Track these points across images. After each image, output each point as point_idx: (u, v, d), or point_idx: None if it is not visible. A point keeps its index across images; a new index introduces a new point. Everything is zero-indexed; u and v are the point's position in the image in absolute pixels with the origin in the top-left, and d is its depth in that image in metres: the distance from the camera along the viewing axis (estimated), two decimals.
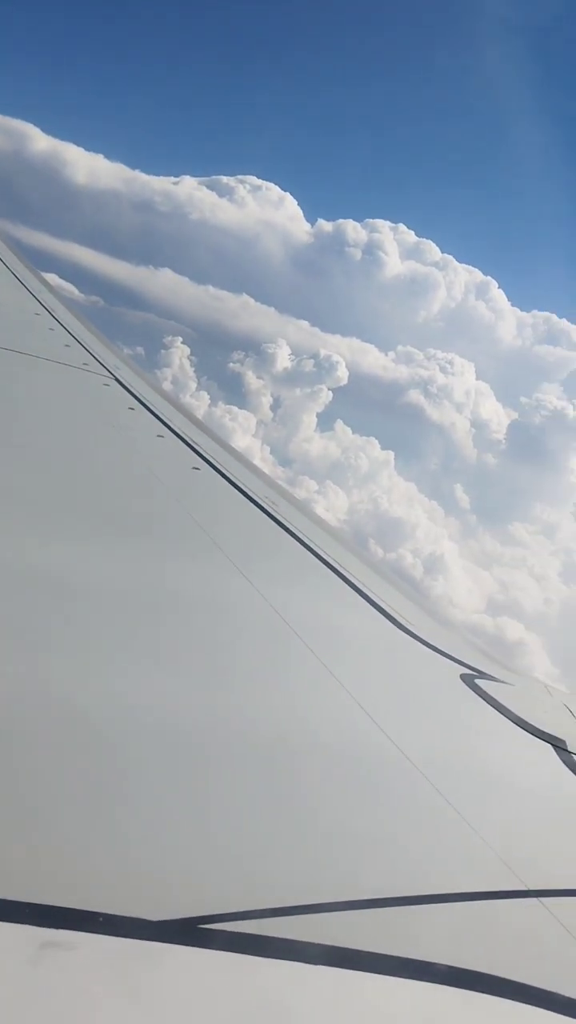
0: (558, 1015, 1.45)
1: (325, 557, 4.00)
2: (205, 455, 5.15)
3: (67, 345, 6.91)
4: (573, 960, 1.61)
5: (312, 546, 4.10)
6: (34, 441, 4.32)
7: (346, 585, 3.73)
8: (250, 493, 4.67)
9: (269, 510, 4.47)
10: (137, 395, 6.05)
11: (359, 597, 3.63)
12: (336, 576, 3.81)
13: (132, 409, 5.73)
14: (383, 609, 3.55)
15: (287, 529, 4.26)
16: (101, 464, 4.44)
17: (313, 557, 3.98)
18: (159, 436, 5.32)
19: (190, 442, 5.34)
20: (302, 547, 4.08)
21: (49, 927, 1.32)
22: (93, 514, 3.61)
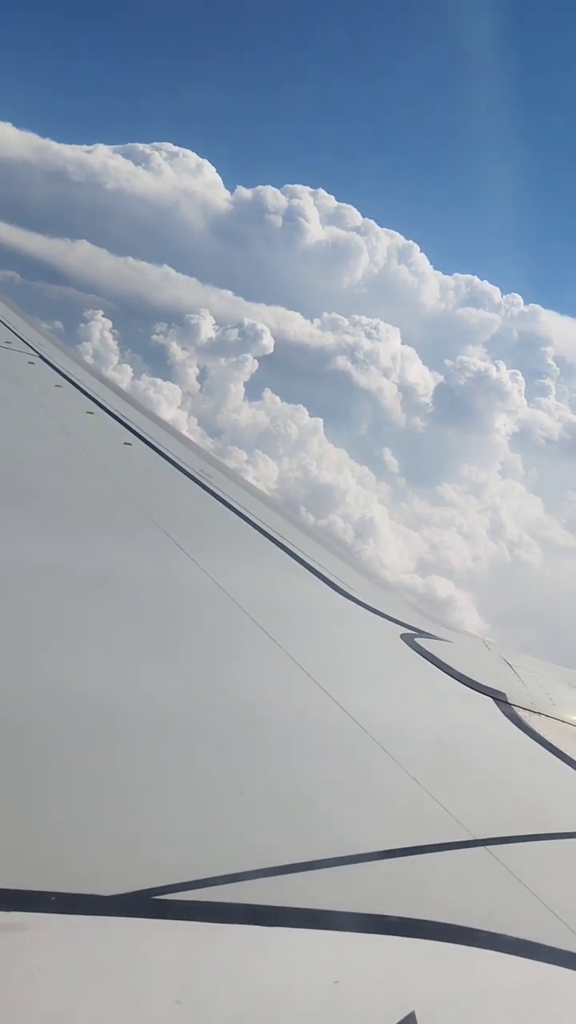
0: (505, 955, 1.49)
1: (261, 526, 3.99)
2: (136, 429, 5.09)
3: None
4: (517, 902, 1.66)
5: (248, 516, 4.10)
6: None
7: (284, 553, 3.74)
8: (183, 466, 4.63)
9: (203, 481, 4.44)
10: (63, 372, 5.92)
11: (297, 564, 3.65)
12: (274, 544, 3.82)
13: (59, 387, 5.62)
14: (322, 575, 3.57)
15: (222, 500, 4.24)
16: (30, 444, 4.35)
17: (249, 527, 3.97)
18: (88, 412, 5.23)
19: (120, 417, 5.26)
20: (238, 517, 4.07)
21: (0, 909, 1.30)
22: (24, 495, 3.54)
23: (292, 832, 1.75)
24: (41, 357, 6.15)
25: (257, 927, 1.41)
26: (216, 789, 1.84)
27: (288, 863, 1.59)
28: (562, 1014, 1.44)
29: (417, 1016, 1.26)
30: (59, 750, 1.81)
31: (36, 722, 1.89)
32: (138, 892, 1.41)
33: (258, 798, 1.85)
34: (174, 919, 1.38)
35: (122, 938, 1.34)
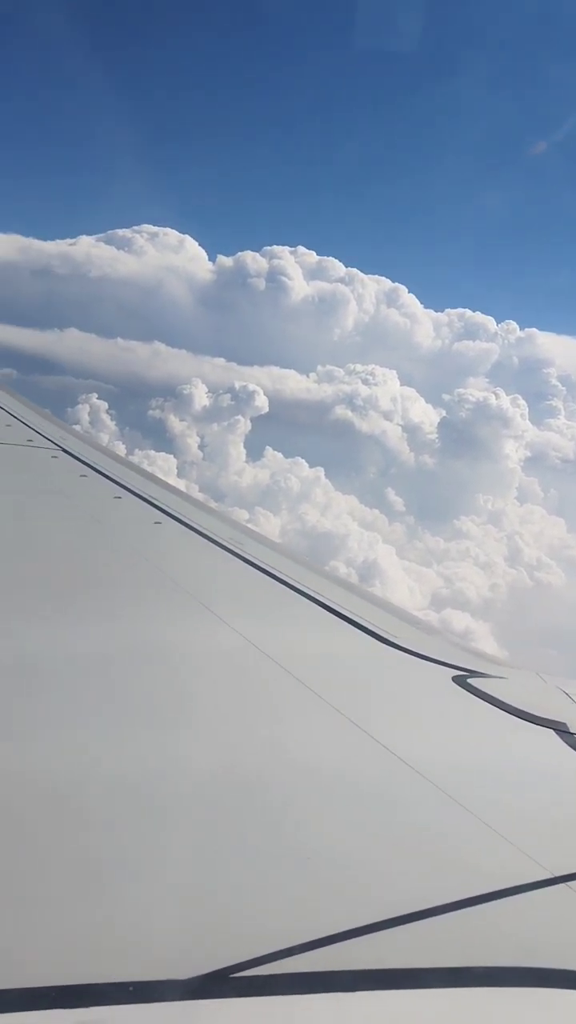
0: None
1: (298, 586, 3.99)
2: (164, 508, 5.15)
3: (8, 425, 6.89)
4: None
5: (283, 577, 4.10)
6: None
7: (324, 610, 3.73)
8: (213, 537, 4.67)
9: (235, 550, 4.47)
10: (88, 462, 6.04)
11: (339, 619, 3.63)
12: (313, 603, 3.81)
13: (84, 476, 5.72)
14: (365, 627, 3.55)
15: (256, 565, 4.25)
16: (60, 533, 4.42)
17: (286, 588, 3.98)
18: (116, 497, 5.31)
19: (148, 498, 5.33)
20: (274, 580, 4.08)
21: (79, 1007, 1.29)
22: (60, 583, 3.58)
23: (365, 892, 1.71)
24: (64, 450, 6.28)
25: (341, 994, 1.38)
26: (282, 856, 1.81)
27: (365, 923, 1.56)
28: None
29: None
30: (122, 833, 1.80)
31: (96, 806, 1.88)
32: (215, 972, 1.39)
33: (326, 861, 1.81)
34: (256, 996, 1.36)
35: (206, 1021, 1.31)
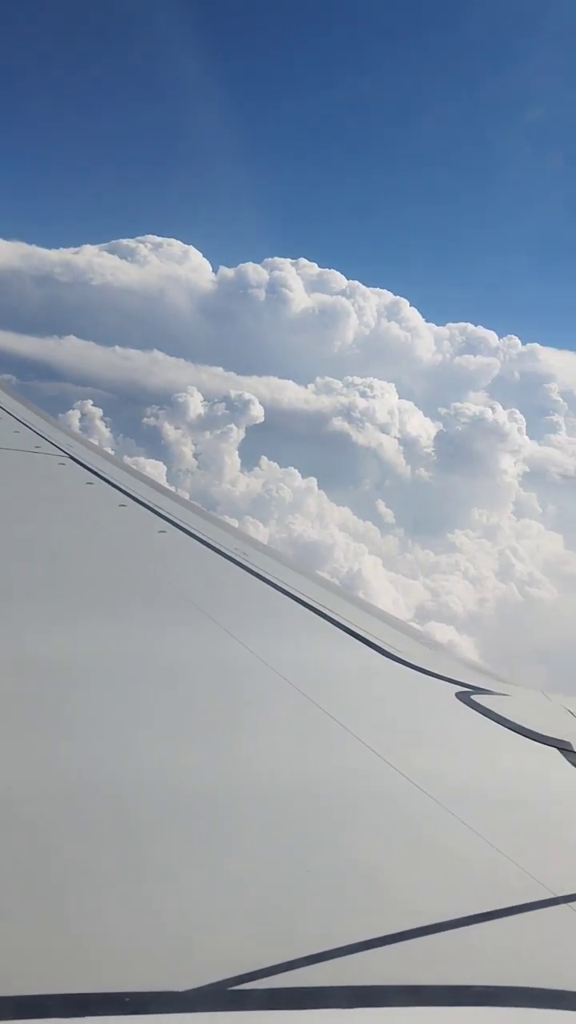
0: None
1: (303, 598, 3.98)
2: (169, 517, 5.14)
3: (16, 431, 6.91)
4: None
5: (288, 590, 4.09)
6: None
7: (328, 623, 3.71)
8: (219, 547, 4.66)
9: (241, 561, 4.46)
10: (94, 469, 6.04)
11: (343, 633, 3.62)
12: (317, 616, 3.80)
13: (91, 484, 5.72)
14: (369, 641, 3.53)
15: (261, 577, 4.24)
16: (66, 539, 4.42)
17: (291, 600, 3.96)
18: (121, 505, 5.31)
19: (153, 507, 5.33)
20: (279, 592, 4.06)
21: (75, 1016, 1.27)
22: (64, 589, 3.57)
23: (365, 907, 1.69)
24: (72, 457, 6.28)
25: (339, 1010, 1.36)
26: (282, 869, 1.80)
27: (364, 939, 1.54)
28: None
29: None
30: (117, 843, 1.78)
31: (94, 816, 1.87)
32: (214, 984, 1.37)
33: (326, 875, 1.80)
34: (254, 1009, 1.34)
35: None
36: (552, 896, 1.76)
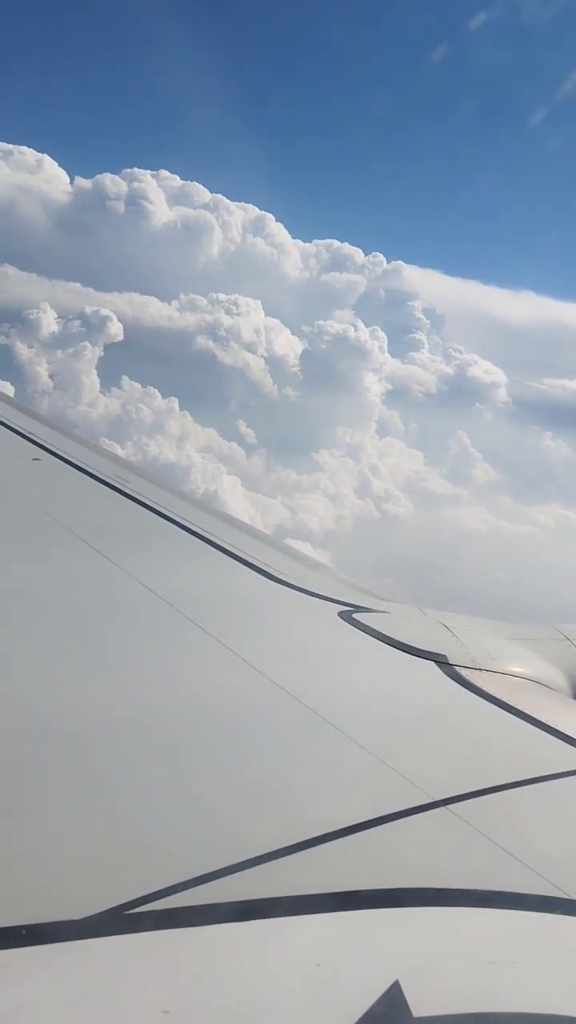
0: (479, 909, 1.52)
1: (184, 523, 3.95)
2: (43, 443, 4.97)
3: None
4: (484, 855, 1.69)
5: (169, 514, 4.05)
6: None
7: (210, 546, 3.71)
8: (96, 473, 4.55)
9: (119, 486, 4.37)
10: None
11: (226, 556, 3.62)
12: (199, 539, 3.78)
13: None
14: (252, 563, 3.55)
15: (140, 502, 4.18)
16: None
17: (173, 525, 3.93)
18: None
19: (25, 433, 5.14)
20: (159, 517, 4.02)
21: None
22: None
23: (253, 823, 1.74)
24: None
25: (231, 924, 1.40)
26: (167, 792, 1.82)
27: (253, 856, 1.58)
28: (538, 958, 1.47)
29: (401, 983, 1.27)
30: (9, 773, 1.76)
31: None
32: (109, 910, 1.39)
33: (212, 794, 1.83)
34: (148, 931, 1.36)
35: (100, 960, 1.31)
36: (431, 800, 1.86)
